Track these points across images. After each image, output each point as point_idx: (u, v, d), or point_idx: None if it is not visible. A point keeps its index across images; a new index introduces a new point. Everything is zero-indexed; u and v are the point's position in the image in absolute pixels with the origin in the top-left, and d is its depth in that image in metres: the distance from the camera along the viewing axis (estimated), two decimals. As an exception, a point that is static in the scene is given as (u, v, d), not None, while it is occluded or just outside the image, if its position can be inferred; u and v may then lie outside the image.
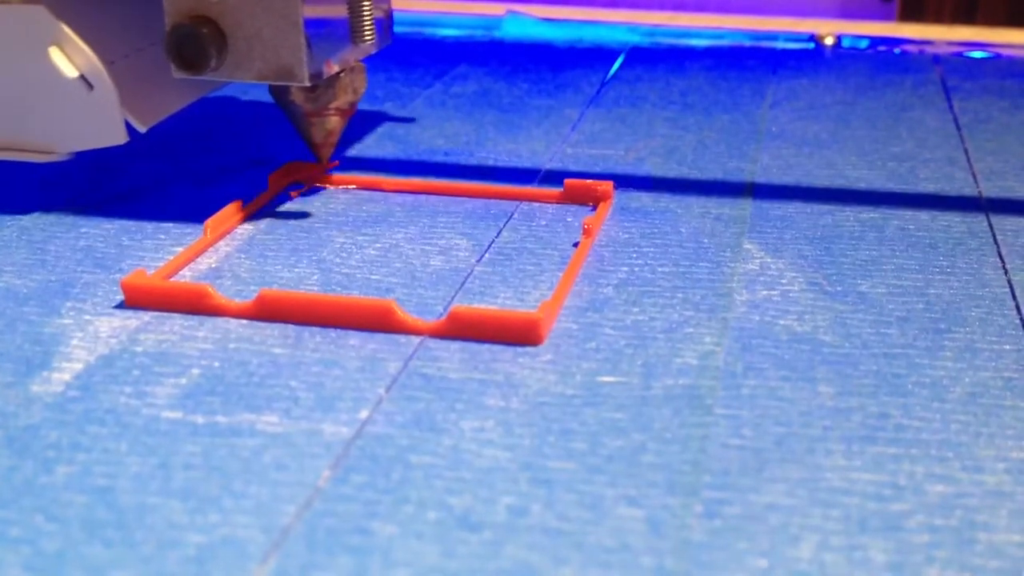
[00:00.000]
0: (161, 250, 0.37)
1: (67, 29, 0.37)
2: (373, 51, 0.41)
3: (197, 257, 0.36)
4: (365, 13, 0.38)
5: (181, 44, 0.36)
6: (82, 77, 0.38)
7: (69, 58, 0.38)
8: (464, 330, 0.31)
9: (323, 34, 0.38)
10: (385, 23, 0.43)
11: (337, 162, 0.45)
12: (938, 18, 0.93)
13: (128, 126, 0.39)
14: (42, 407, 0.28)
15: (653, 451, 0.26)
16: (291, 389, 0.29)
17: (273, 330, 0.32)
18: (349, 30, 0.39)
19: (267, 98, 0.45)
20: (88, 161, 0.44)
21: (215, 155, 0.47)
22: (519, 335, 0.31)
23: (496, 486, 0.25)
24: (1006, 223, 0.39)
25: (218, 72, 0.37)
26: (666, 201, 0.41)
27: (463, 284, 0.35)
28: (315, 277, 0.35)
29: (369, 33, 0.39)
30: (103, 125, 0.38)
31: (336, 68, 0.39)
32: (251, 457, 0.26)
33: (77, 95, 0.38)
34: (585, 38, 0.69)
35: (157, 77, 0.40)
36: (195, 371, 0.29)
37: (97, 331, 0.32)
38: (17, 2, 0.37)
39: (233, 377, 0.29)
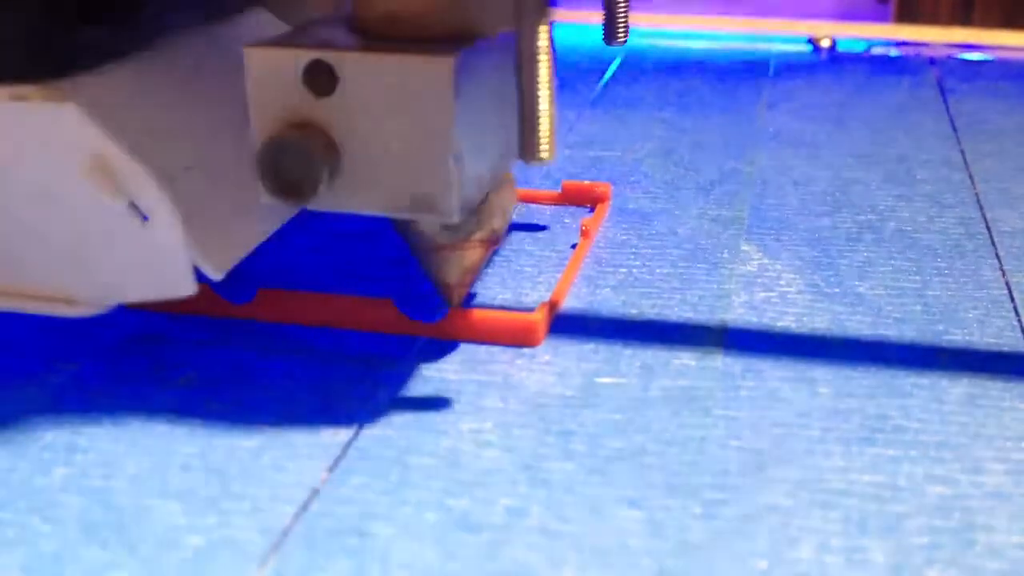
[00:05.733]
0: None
1: (107, 133, 0.26)
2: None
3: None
4: (542, 122, 0.24)
5: (280, 163, 0.26)
6: (132, 204, 0.26)
7: (112, 175, 0.26)
8: (463, 331, 0.31)
9: (476, 145, 0.27)
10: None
11: None
12: (934, 20, 0.93)
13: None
14: (39, 408, 0.28)
15: (652, 452, 0.26)
16: (290, 390, 0.29)
17: (272, 330, 0.32)
18: (521, 143, 0.25)
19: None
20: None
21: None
22: (517, 336, 0.31)
23: (495, 487, 0.25)
24: (1003, 225, 0.39)
25: (325, 199, 0.26)
26: (664, 202, 0.41)
27: (461, 285, 0.35)
28: (315, 276, 0.35)
29: (546, 148, 0.25)
30: (161, 271, 0.27)
31: (487, 189, 0.29)
32: (249, 458, 0.26)
33: (123, 229, 0.26)
34: (582, 39, 0.69)
35: (232, 195, 0.28)
36: (193, 371, 0.29)
37: (95, 331, 0.31)
38: (38, 98, 0.25)
39: (232, 377, 0.29)
